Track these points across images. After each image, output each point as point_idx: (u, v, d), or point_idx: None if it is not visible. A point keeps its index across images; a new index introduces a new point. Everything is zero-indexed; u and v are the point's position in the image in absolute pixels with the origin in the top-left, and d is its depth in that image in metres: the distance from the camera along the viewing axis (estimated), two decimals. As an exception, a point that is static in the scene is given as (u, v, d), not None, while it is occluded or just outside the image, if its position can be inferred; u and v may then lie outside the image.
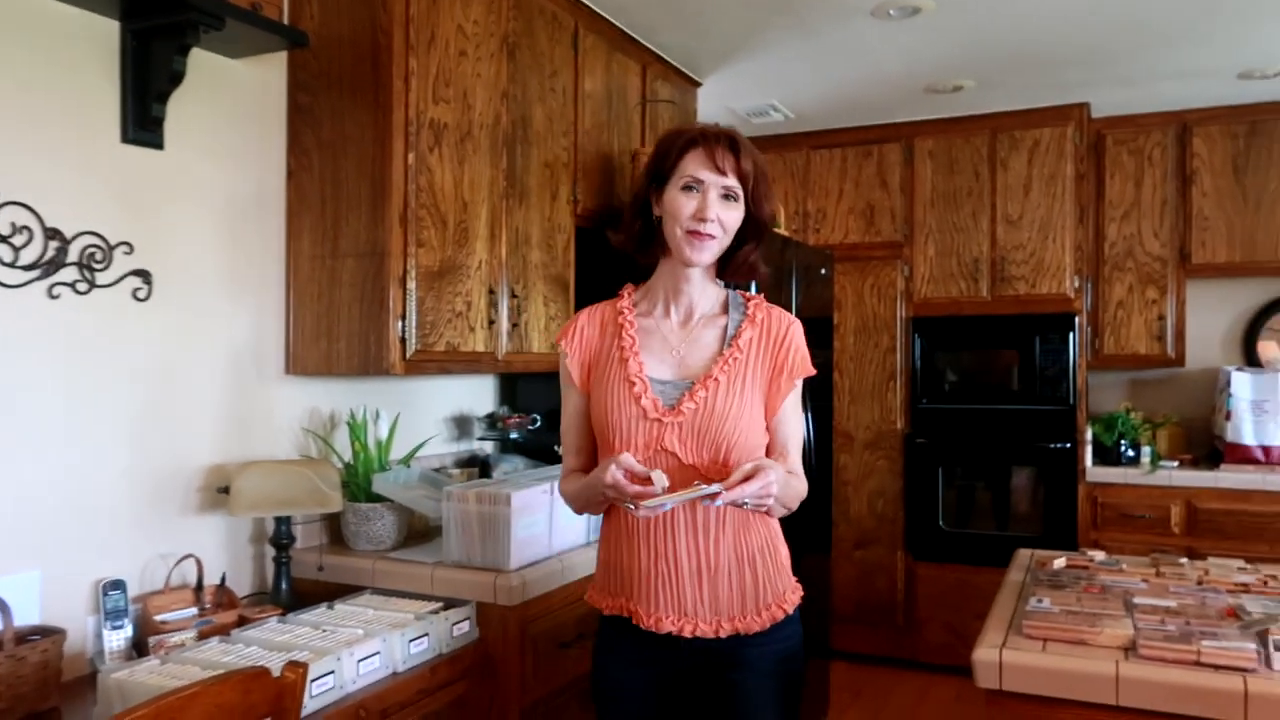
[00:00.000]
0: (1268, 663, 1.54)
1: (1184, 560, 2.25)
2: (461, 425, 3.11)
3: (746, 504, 1.49)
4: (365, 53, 2.39)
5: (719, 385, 1.61)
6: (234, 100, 2.37)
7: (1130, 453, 4.31)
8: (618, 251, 3.21)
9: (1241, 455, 4.15)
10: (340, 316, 2.41)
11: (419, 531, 2.63)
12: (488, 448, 3.16)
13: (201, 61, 2.25)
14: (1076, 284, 4.29)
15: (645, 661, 1.64)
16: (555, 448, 3.00)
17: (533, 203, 2.88)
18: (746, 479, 1.45)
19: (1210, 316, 4.59)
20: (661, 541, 1.59)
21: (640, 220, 1.71)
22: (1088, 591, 1.94)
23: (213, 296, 2.31)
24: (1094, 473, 4.25)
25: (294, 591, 2.31)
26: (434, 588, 2.26)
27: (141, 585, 2.12)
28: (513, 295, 2.77)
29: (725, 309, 1.71)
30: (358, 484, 2.46)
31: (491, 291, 2.67)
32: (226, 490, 2.19)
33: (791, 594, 1.66)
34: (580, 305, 3.10)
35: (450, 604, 2.18)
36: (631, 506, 1.48)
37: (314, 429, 2.55)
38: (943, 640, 4.45)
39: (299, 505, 2.22)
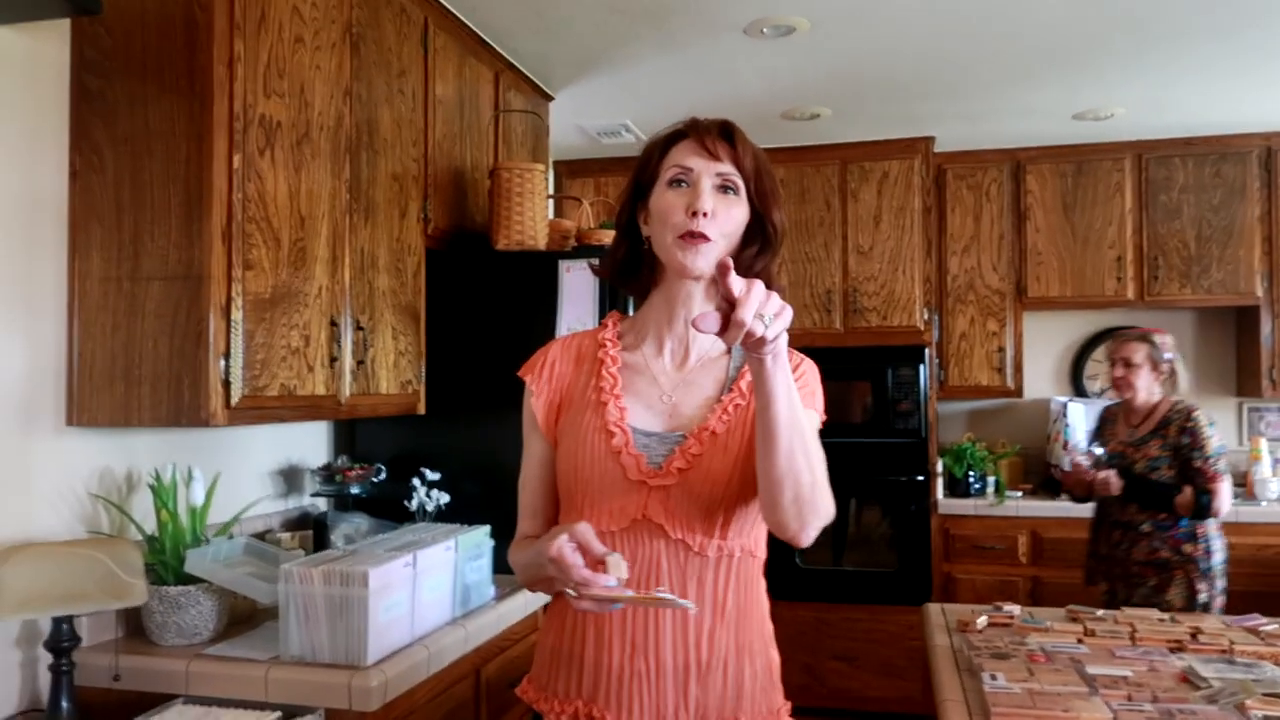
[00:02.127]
0: (1259, 743, 1.41)
1: (1100, 612, 2.16)
2: (290, 479, 2.64)
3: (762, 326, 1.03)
4: (177, 30, 1.94)
5: (715, 439, 1.30)
6: (-2, 77, 1.86)
7: (978, 484, 4.35)
8: (472, 278, 2.88)
9: (1078, 484, 4.27)
10: (143, 354, 1.93)
11: (243, 615, 2.16)
12: (321, 504, 2.70)
13: (-48, 24, 1.74)
14: (926, 316, 4.30)
15: None
16: (405, 502, 2.59)
17: (380, 220, 2.48)
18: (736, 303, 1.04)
19: (1043, 348, 4.75)
20: (640, 632, 1.27)
21: (626, 244, 1.39)
22: (1034, 661, 1.78)
23: (-35, 329, 1.78)
24: (945, 504, 4.26)
25: (79, 709, 1.79)
26: (269, 693, 1.81)
27: None
28: (358, 327, 2.36)
29: (729, 350, 1.40)
30: (165, 563, 1.97)
31: (334, 323, 2.26)
32: (-17, 584, 1.66)
33: (786, 715, 1.38)
34: (432, 338, 2.73)
35: (291, 713, 1.75)
36: (572, 593, 1.16)
37: (106, 494, 2.04)
38: (801, 682, 4.31)
39: (87, 600, 1.72)
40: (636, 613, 1.28)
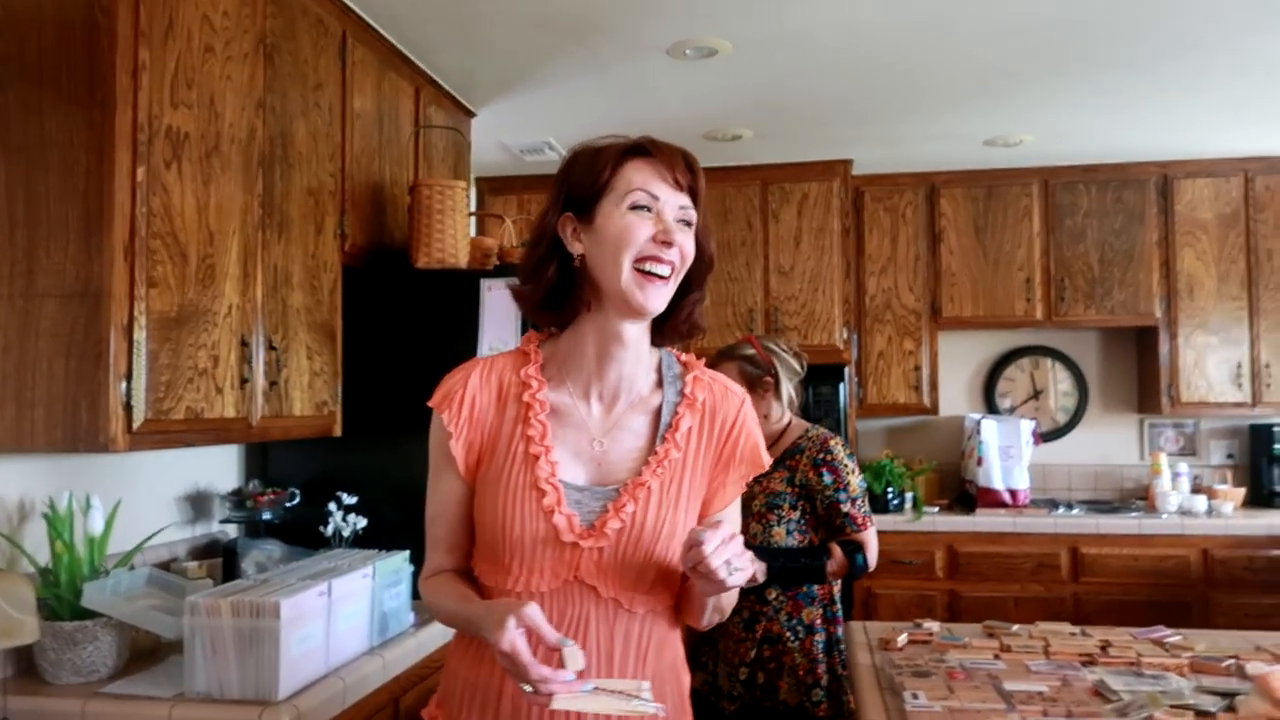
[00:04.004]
0: (1169, 755, 1.44)
1: (1015, 627, 2.20)
2: (198, 505, 2.53)
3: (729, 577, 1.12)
4: (77, 35, 1.85)
5: (650, 495, 1.24)
6: (-122, 82, 1.75)
7: (896, 500, 4.42)
8: (392, 296, 2.81)
9: (992, 499, 4.38)
10: (37, 375, 1.82)
11: (145, 649, 2.05)
12: (232, 531, 2.59)
13: None
14: (845, 335, 4.37)
15: None
16: (321, 528, 2.51)
17: (294, 236, 2.41)
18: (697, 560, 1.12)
19: (957, 366, 4.87)
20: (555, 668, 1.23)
21: (554, 263, 1.29)
22: (953, 678, 1.81)
23: None
24: (864, 521, 4.31)
25: (-39, 756, 1.68)
26: (172, 732, 1.73)
27: None
28: (270, 347, 2.28)
29: (659, 380, 1.33)
30: (60, 597, 1.86)
31: (245, 343, 2.18)
32: None
33: None
34: (349, 358, 2.65)
35: (196, 753, 1.67)
36: (529, 689, 1.09)
37: (-7, 525, 1.93)
38: (724, 701, 4.31)
39: (-28, 639, 1.61)
40: (557, 656, 1.22)
